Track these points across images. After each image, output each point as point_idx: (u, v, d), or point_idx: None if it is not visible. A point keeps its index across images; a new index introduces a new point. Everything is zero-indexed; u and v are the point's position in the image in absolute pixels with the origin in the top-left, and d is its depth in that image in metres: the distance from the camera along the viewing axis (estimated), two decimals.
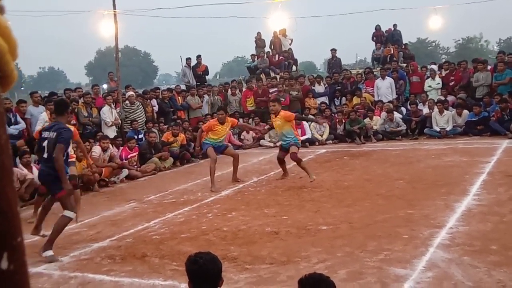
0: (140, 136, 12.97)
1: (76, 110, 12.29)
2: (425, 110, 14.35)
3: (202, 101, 16.20)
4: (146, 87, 42.45)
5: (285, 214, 7.16)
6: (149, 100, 14.66)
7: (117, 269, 5.46)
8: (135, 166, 11.81)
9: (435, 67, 17.15)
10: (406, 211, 6.70)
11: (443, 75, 16.08)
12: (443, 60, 34.83)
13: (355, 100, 15.65)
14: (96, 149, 10.85)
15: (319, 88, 16.98)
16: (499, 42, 72.66)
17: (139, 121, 13.36)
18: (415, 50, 39.48)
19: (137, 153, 11.96)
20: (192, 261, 2.94)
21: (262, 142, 14.78)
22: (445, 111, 13.73)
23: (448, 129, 13.46)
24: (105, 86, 16.17)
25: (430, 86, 15.48)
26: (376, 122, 14.36)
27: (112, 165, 11.00)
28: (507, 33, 68.84)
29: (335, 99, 16.66)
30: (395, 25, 21.86)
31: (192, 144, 13.71)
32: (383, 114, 14.44)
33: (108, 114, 12.82)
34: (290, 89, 16.33)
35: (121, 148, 11.86)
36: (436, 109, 13.84)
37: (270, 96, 16.44)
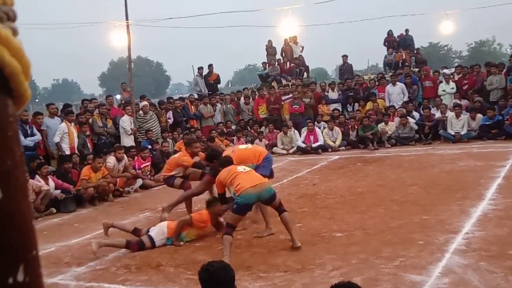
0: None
1: (91, 120, 12.44)
2: (438, 114, 14.27)
3: (214, 110, 16.29)
4: (159, 96, 42.78)
5: (299, 221, 7.15)
6: (164, 111, 14.77)
7: (132, 279, 5.48)
8: (149, 176, 11.89)
9: (447, 71, 17.03)
10: (421, 217, 6.65)
11: (456, 79, 15.97)
12: (456, 64, 34.61)
13: (368, 105, 15.62)
14: (111, 160, 10.93)
15: (333, 94, 16.94)
16: None
17: (153, 131, 13.47)
18: (427, 55, 39.32)
19: (149, 162, 12.03)
20: (203, 270, 2.97)
21: (274, 149, 14.71)
22: (462, 115, 13.65)
23: (462, 133, 13.37)
24: (118, 96, 16.35)
25: (444, 91, 15.40)
26: (391, 127, 14.28)
27: (127, 175, 11.08)
28: None
29: (348, 105, 16.63)
30: (407, 30, 21.82)
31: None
32: (396, 119, 14.38)
33: (128, 123, 12.95)
34: (302, 96, 16.36)
35: (135, 158, 11.93)
36: (450, 113, 13.77)
37: (282, 103, 16.51)
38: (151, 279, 5.42)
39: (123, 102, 15.21)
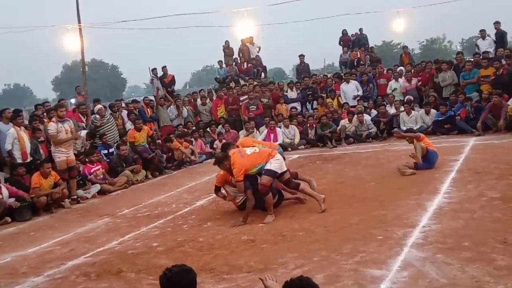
0: (111, 150, 12.75)
1: (42, 128, 11.93)
2: (392, 111, 14.63)
3: (178, 112, 16.09)
4: (115, 99, 42.02)
5: (260, 221, 7.16)
6: (118, 113, 14.32)
7: (93, 287, 5.36)
8: (104, 180, 11.57)
9: (403, 68, 17.39)
10: (379, 212, 6.76)
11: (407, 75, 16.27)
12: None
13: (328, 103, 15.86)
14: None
15: (292, 94, 17.05)
16: (461, 42, 74.22)
17: (108, 135, 13.07)
18: (381, 53, 40.13)
19: (100, 166, 11.71)
20: (162, 275, 2.95)
21: None
22: (413, 112, 14.04)
23: (415, 128, 13.72)
24: (73, 100, 15.95)
25: (394, 89, 15.69)
26: (353, 124, 14.44)
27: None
28: (469, 33, 70.43)
29: (307, 103, 16.77)
30: (361, 29, 22.25)
31: (165, 156, 13.60)
32: (354, 117, 14.61)
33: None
34: (261, 95, 16.41)
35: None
36: (402, 110, 14.16)
37: (241, 104, 16.49)
38: (111, 286, 5.31)
39: (74, 105, 14.75)
